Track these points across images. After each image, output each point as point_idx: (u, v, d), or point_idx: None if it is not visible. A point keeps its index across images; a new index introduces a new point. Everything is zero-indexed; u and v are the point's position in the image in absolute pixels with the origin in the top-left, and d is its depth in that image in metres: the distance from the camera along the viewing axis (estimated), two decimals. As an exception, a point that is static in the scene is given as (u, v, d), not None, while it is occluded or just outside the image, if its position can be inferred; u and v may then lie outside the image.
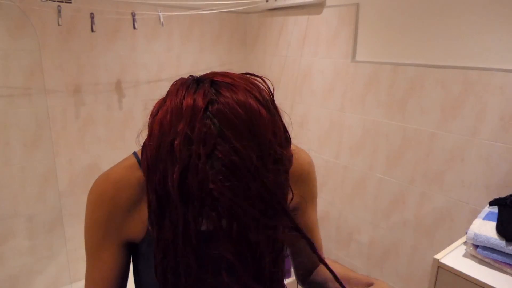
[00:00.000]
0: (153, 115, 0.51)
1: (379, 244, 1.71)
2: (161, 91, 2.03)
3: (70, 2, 1.66)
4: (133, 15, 1.76)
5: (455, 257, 1.04)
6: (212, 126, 0.45)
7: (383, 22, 1.55)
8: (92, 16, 1.65)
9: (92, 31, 1.66)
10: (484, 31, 1.25)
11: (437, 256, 1.03)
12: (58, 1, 1.59)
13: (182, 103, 0.48)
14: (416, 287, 1.58)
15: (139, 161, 0.61)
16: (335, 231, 1.92)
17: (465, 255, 1.04)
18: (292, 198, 0.56)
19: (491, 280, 0.94)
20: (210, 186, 0.44)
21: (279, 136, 0.51)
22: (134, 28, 1.77)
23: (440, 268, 1.01)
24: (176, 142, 0.46)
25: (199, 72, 2.25)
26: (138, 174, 0.60)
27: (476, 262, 1.01)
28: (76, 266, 2.00)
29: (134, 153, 0.64)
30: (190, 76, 0.54)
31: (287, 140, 0.55)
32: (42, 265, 1.88)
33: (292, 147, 0.68)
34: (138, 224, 0.61)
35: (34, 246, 1.83)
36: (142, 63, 1.96)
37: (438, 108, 1.40)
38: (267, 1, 2.03)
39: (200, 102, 0.47)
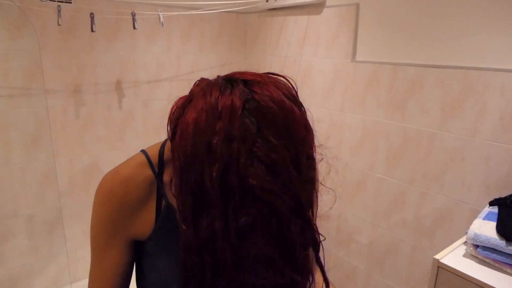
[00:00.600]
0: (179, 116, 0.52)
1: (379, 244, 1.71)
2: (161, 91, 2.03)
3: (70, 2, 1.66)
4: (133, 15, 1.76)
5: (455, 257, 1.03)
6: (250, 125, 0.47)
7: (383, 22, 1.55)
8: (92, 16, 1.65)
9: (92, 31, 1.66)
10: (484, 31, 1.25)
11: (437, 256, 1.03)
12: (58, 1, 1.59)
13: (218, 103, 0.49)
14: (416, 287, 1.58)
15: (148, 160, 0.61)
16: (335, 231, 1.92)
17: (465, 255, 1.04)
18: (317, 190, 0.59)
19: (491, 280, 0.94)
20: (250, 182, 0.46)
21: (311, 133, 0.54)
22: (134, 28, 1.77)
23: (440, 268, 1.01)
24: (214, 141, 0.47)
25: (199, 72, 2.25)
26: (148, 172, 0.60)
27: (476, 262, 1.01)
28: (76, 266, 2.00)
29: (143, 151, 0.63)
30: (218, 76, 0.56)
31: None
32: (42, 265, 1.88)
33: None
34: (145, 222, 0.61)
35: (34, 246, 1.83)
36: (142, 63, 1.96)
37: (438, 108, 1.40)
38: (267, 1, 2.03)
39: (237, 101, 0.48)
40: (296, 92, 0.56)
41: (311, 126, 0.57)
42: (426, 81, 1.42)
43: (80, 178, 1.90)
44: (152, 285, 0.67)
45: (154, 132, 2.05)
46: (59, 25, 1.57)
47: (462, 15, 1.29)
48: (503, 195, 1.20)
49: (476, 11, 1.26)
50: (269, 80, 0.53)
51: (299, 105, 0.53)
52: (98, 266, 0.64)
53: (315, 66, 1.87)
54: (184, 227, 0.51)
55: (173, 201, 0.59)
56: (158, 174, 0.61)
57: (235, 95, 0.49)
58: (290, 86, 0.56)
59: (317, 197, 0.68)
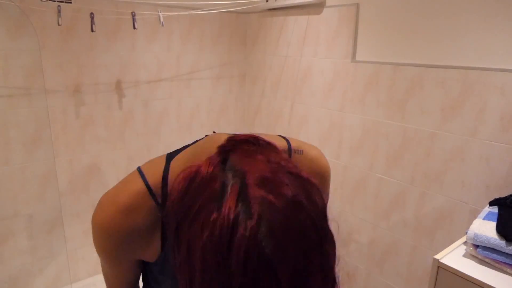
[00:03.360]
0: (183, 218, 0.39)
1: (379, 244, 1.71)
2: (161, 91, 2.03)
3: (70, 2, 1.66)
4: (133, 15, 1.76)
5: (455, 257, 1.03)
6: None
7: (383, 22, 1.55)
8: (92, 16, 1.65)
9: (92, 31, 1.66)
10: (484, 31, 1.25)
11: (437, 256, 1.03)
12: (58, 1, 1.59)
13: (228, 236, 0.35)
14: (416, 287, 1.58)
15: (148, 188, 0.55)
16: (335, 231, 1.91)
17: (465, 255, 1.04)
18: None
19: (491, 280, 0.93)
20: None
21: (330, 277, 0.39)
22: (134, 28, 1.77)
23: (440, 268, 1.01)
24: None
25: (199, 72, 2.25)
26: (149, 203, 0.55)
27: (476, 262, 1.01)
28: (76, 266, 2.00)
29: (140, 173, 0.57)
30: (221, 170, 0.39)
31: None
32: (42, 265, 1.88)
33: (315, 151, 0.65)
34: (151, 250, 0.58)
35: (34, 246, 1.83)
36: (142, 63, 1.96)
37: (438, 108, 1.40)
38: (267, 1, 2.03)
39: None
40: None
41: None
42: (426, 81, 1.42)
43: (80, 178, 1.90)
44: None
45: (154, 132, 2.05)
46: (59, 25, 1.57)
47: (462, 15, 1.29)
48: (503, 195, 1.20)
49: (476, 11, 1.26)
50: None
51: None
52: (109, 273, 0.64)
53: (315, 66, 1.87)
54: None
55: None
56: (162, 203, 0.55)
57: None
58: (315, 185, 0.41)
59: None
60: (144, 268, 0.67)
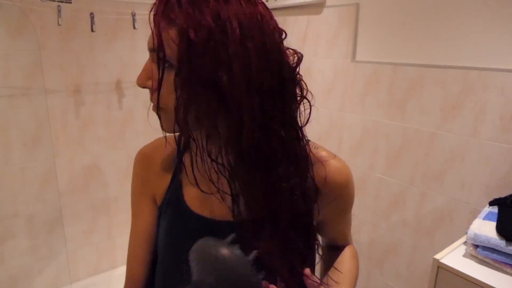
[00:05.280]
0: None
1: (379, 244, 1.71)
2: (161, 91, 2.02)
3: (70, 2, 1.66)
4: (133, 15, 1.76)
5: (455, 257, 1.03)
6: None
7: (383, 22, 1.55)
8: (92, 16, 1.65)
9: (92, 31, 1.66)
10: (484, 31, 1.25)
11: (437, 256, 1.03)
12: (58, 1, 1.59)
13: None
14: (416, 287, 1.58)
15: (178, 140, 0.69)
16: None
17: (465, 255, 1.04)
18: None
19: (491, 280, 0.93)
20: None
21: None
22: (134, 28, 1.77)
23: (440, 268, 1.01)
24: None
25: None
26: (173, 145, 0.68)
27: (476, 262, 1.01)
28: (76, 266, 2.00)
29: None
30: None
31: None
32: (42, 265, 1.88)
33: (337, 160, 0.68)
34: (162, 188, 0.69)
35: (34, 246, 1.83)
36: (142, 63, 1.94)
37: (438, 108, 1.39)
38: (267, 1, 2.03)
39: None
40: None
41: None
42: (426, 81, 1.42)
43: (80, 178, 1.90)
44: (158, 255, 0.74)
45: (154, 132, 2.04)
46: (59, 25, 1.58)
47: (462, 15, 1.29)
48: (503, 195, 1.20)
49: (476, 11, 1.26)
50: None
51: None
52: (135, 226, 0.73)
53: (315, 66, 1.87)
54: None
55: (186, 182, 0.65)
56: (180, 153, 0.68)
57: None
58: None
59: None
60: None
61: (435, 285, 1.03)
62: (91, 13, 1.65)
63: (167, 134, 0.59)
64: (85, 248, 1.99)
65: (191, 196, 0.65)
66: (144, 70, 0.58)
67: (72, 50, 1.74)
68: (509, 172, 1.23)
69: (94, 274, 2.06)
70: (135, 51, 1.92)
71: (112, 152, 1.97)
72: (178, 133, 0.66)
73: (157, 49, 0.51)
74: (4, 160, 1.67)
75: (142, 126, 2.02)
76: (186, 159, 0.66)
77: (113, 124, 1.93)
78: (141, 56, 1.94)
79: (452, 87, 1.34)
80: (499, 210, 1.09)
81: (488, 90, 1.25)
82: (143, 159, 0.71)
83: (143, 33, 1.92)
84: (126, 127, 1.98)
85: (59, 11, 1.55)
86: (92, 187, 1.95)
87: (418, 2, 1.41)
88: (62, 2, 1.61)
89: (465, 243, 1.06)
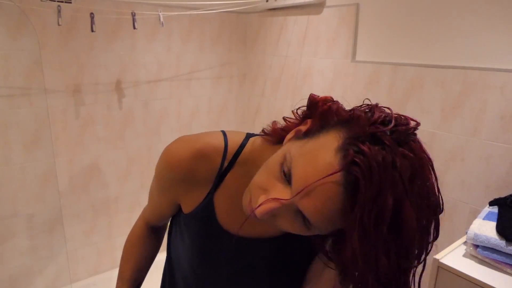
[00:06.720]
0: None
1: (379, 244, 1.71)
2: (161, 91, 2.03)
3: (70, 2, 1.66)
4: (133, 15, 1.76)
5: (455, 257, 1.03)
6: None
7: (383, 22, 1.55)
8: (92, 16, 1.65)
9: (92, 31, 1.66)
10: (484, 31, 1.24)
11: (437, 256, 1.03)
12: (58, 1, 1.59)
13: None
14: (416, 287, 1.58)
15: (225, 150, 0.61)
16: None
17: (465, 255, 1.04)
18: None
19: (491, 280, 0.93)
20: None
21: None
22: (134, 28, 1.77)
23: (440, 268, 1.01)
24: None
25: (199, 72, 2.24)
26: (217, 161, 0.60)
27: (476, 262, 1.01)
28: (76, 266, 2.00)
29: (224, 135, 0.62)
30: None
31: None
32: (42, 265, 1.88)
33: None
34: (191, 200, 0.63)
35: (34, 246, 1.83)
36: (142, 63, 1.96)
37: (438, 108, 1.39)
38: (267, 1, 2.03)
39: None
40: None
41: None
42: (426, 81, 1.42)
43: (80, 178, 1.90)
44: (175, 253, 0.74)
45: (154, 132, 2.05)
46: (59, 25, 1.57)
47: (462, 15, 1.29)
48: (503, 195, 1.20)
49: (476, 11, 1.26)
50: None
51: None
52: (150, 206, 0.75)
53: (315, 66, 1.87)
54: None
55: (220, 200, 0.61)
56: (224, 171, 0.61)
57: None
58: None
59: None
60: (171, 223, 0.76)
61: (435, 285, 1.03)
62: (91, 13, 1.65)
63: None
64: (85, 248, 1.99)
65: (224, 213, 0.63)
66: (271, 208, 0.48)
67: (72, 50, 1.74)
68: (509, 172, 1.23)
69: (94, 274, 2.06)
70: (135, 51, 1.91)
71: (112, 152, 1.97)
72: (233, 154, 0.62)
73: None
74: (4, 160, 1.67)
75: (142, 126, 2.02)
76: (231, 176, 0.61)
77: (113, 124, 1.93)
78: (141, 56, 1.94)
79: (452, 87, 1.34)
80: (499, 210, 1.09)
81: (488, 90, 1.25)
82: (175, 169, 0.61)
83: (143, 33, 1.92)
84: (126, 127, 1.98)
85: (59, 11, 1.55)
86: (92, 187, 1.95)
87: (418, 2, 1.41)
88: (62, 2, 1.61)
89: (465, 243, 1.06)
